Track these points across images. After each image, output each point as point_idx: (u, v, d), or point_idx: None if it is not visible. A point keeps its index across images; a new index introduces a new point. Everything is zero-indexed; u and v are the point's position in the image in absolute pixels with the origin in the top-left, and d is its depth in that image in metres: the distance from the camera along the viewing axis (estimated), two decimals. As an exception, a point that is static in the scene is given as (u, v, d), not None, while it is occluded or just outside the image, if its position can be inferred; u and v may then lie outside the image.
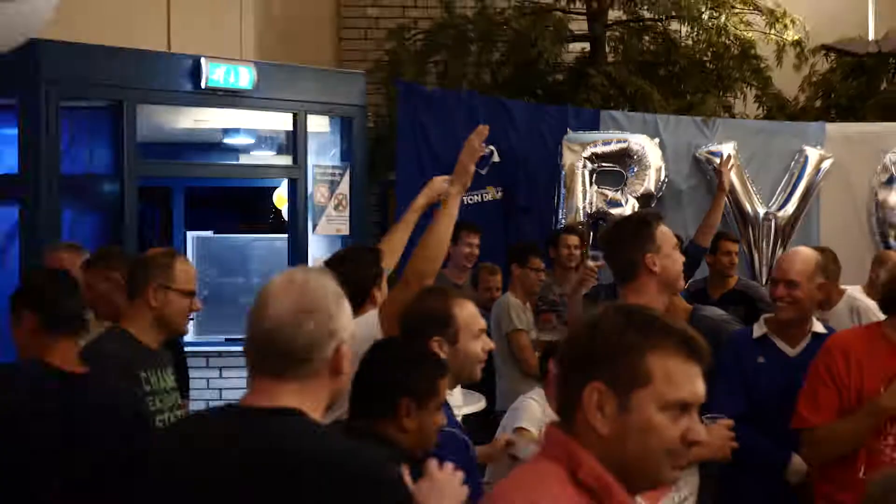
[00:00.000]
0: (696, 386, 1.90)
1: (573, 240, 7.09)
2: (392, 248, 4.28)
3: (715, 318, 4.27)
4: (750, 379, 4.22)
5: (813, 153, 8.11)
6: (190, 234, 9.89)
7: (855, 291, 6.28)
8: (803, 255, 4.29)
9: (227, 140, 9.54)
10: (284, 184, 9.04)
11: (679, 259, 3.58)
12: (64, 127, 7.40)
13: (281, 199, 9.55)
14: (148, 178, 8.42)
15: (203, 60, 7.76)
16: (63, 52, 7.20)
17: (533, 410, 4.51)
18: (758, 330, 4.30)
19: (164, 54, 7.91)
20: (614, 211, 7.78)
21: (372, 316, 3.56)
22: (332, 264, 3.95)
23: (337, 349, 2.16)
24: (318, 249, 8.44)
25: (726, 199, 7.87)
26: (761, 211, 8.01)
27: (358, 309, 3.74)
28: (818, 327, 4.28)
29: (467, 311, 3.28)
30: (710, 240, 6.99)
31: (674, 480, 1.92)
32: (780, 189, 8.14)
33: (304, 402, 2.13)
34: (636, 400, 1.86)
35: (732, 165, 7.63)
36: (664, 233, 3.57)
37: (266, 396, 2.13)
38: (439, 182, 4.09)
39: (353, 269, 3.86)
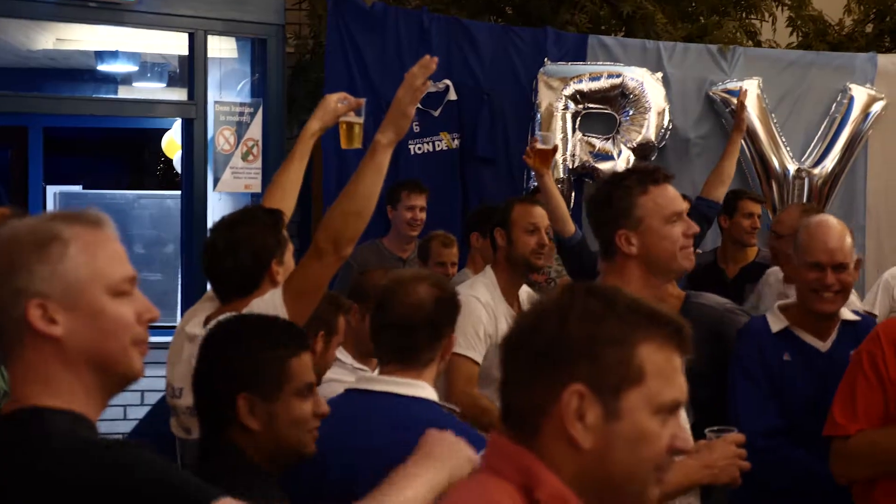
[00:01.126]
0: (683, 382, 1.98)
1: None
2: (284, 189, 4.40)
3: (716, 307, 4.34)
4: (777, 382, 4.30)
5: (860, 92, 8.23)
6: (51, 189, 9.87)
7: None
8: (841, 229, 4.37)
9: (102, 66, 9.50)
10: (177, 126, 9.00)
11: (676, 235, 3.55)
12: None
13: (172, 144, 9.54)
14: (-2, 115, 8.38)
15: (71, -39, 7.70)
16: None
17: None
18: (776, 322, 4.37)
19: (18, -48, 7.83)
20: (603, 166, 7.85)
21: (273, 297, 3.62)
22: (220, 231, 4.07)
23: (26, 309, 2.22)
24: (220, 211, 8.43)
25: (748, 150, 7.99)
26: (791, 167, 8.12)
27: (255, 289, 3.86)
28: (846, 313, 4.38)
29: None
30: (722, 194, 7.08)
31: (654, 500, 1.97)
32: (816, 139, 8.26)
33: (26, 387, 2.24)
34: (626, 403, 1.90)
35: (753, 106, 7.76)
36: (654, 200, 3.55)
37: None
38: (333, 101, 4.35)
39: (247, 237, 3.95)
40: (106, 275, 2.28)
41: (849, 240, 4.31)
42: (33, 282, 2.21)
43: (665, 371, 1.93)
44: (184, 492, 2.12)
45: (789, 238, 5.57)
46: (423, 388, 3.26)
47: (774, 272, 6.39)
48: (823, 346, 4.32)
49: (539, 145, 6.18)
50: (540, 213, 5.55)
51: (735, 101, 7.86)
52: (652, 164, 7.31)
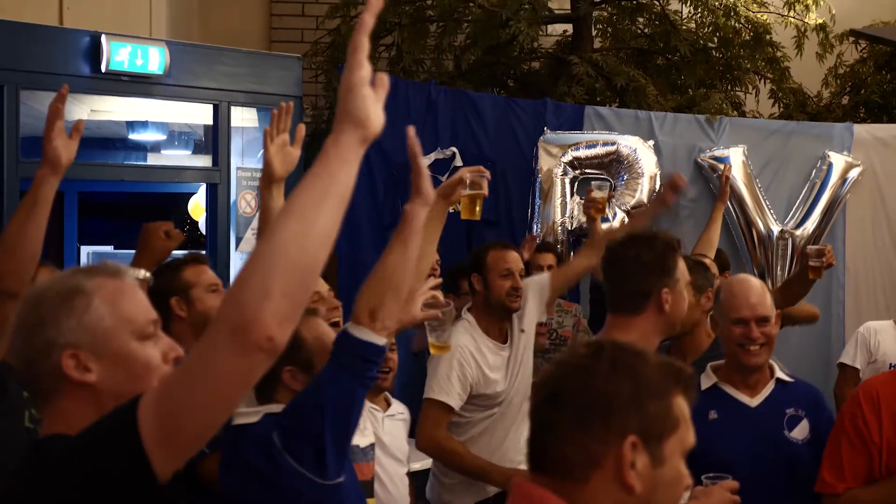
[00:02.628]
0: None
1: (548, 259, 7.11)
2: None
3: None
4: (702, 443, 4.19)
5: (838, 159, 8.21)
6: (84, 249, 9.85)
7: (879, 325, 6.42)
8: (760, 285, 4.31)
9: (133, 135, 9.52)
10: (202, 190, 9.00)
11: (688, 299, 3.67)
12: (-70, 116, 7.34)
13: (198, 208, 9.53)
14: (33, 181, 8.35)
15: (104, 38, 7.71)
16: (-72, 26, 7.15)
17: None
18: (706, 380, 4.26)
19: (55, 29, 7.85)
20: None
21: None
22: None
23: (59, 360, 2.25)
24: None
25: (735, 213, 7.97)
26: (775, 228, 8.09)
27: None
28: (781, 373, 4.26)
29: (317, 332, 3.37)
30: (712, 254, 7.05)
31: None
32: (798, 202, 8.23)
33: (56, 426, 2.25)
34: (668, 449, 1.99)
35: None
36: (682, 265, 3.65)
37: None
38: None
39: None
40: (130, 320, 2.29)
41: (768, 295, 4.25)
42: (62, 334, 2.23)
43: (687, 418, 2.03)
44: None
45: None
46: None
47: None
48: (752, 401, 4.20)
49: (594, 194, 6.16)
50: (513, 258, 5.53)
51: (722, 167, 7.86)
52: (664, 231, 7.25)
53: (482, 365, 5.38)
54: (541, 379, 2.12)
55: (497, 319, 5.53)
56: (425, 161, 3.26)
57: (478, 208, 4.55)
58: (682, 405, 2.02)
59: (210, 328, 1.93)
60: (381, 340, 3.10)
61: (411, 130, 3.34)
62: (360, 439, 4.07)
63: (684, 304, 3.63)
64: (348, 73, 1.99)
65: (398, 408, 4.85)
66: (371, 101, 1.99)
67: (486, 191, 4.38)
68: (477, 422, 5.41)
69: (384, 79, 2.04)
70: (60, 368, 2.22)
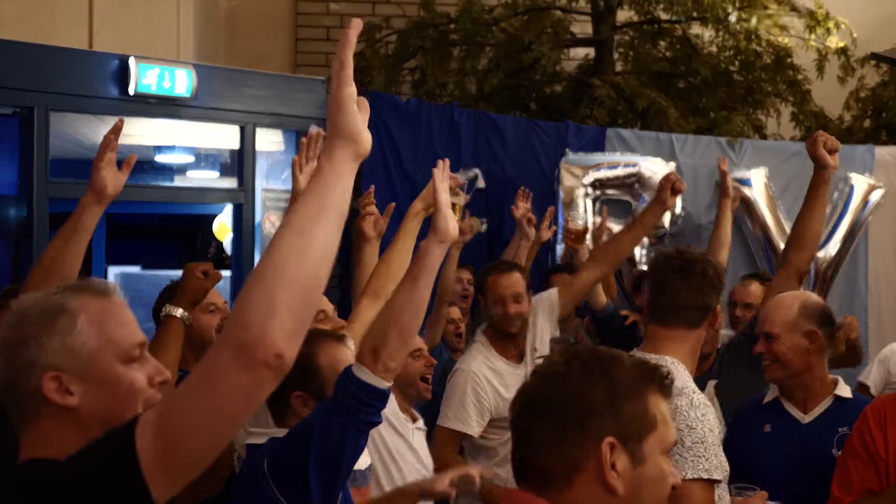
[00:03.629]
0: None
1: (567, 280, 7.10)
2: (389, 265, 4.28)
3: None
4: (753, 452, 4.21)
5: (860, 181, 8.20)
6: (112, 270, 9.90)
7: None
8: (780, 300, 4.31)
9: (160, 158, 9.56)
10: (228, 210, 9.04)
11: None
12: (-39, 137, 7.42)
13: (223, 228, 9.57)
14: (62, 201, 8.41)
15: (132, 61, 7.77)
16: (-39, 48, 7.22)
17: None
18: (770, 394, 4.32)
19: (84, 53, 7.92)
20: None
21: None
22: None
23: (39, 383, 2.16)
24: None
25: (757, 235, 7.97)
26: (797, 251, 8.06)
27: None
28: (844, 391, 4.24)
29: (334, 359, 3.30)
30: (725, 258, 6.98)
31: None
32: (819, 224, 8.21)
33: (36, 450, 2.14)
34: (648, 448, 2.02)
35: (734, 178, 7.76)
36: None
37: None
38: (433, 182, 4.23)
39: None
40: (116, 342, 2.20)
41: (784, 312, 4.21)
42: (45, 354, 2.14)
43: (665, 417, 2.06)
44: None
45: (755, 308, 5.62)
46: None
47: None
48: (805, 418, 4.20)
49: (570, 225, 6.21)
50: (509, 282, 5.50)
51: (744, 190, 7.87)
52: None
53: (498, 387, 5.38)
54: (518, 391, 2.14)
55: (503, 337, 5.54)
56: (446, 198, 3.20)
57: (457, 213, 4.55)
58: (658, 404, 2.04)
59: (215, 347, 1.88)
60: (381, 384, 2.99)
61: (440, 165, 3.33)
62: (359, 461, 4.00)
63: (720, 319, 3.69)
64: (337, 89, 1.99)
65: (420, 420, 4.88)
66: (361, 118, 2.00)
67: (463, 199, 4.37)
68: (505, 443, 5.35)
69: (365, 102, 2.04)
70: (41, 391, 2.13)
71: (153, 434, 1.88)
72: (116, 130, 3.69)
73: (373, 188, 4.88)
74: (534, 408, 2.05)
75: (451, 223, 3.15)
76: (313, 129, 4.21)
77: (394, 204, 5.17)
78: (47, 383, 2.14)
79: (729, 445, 4.00)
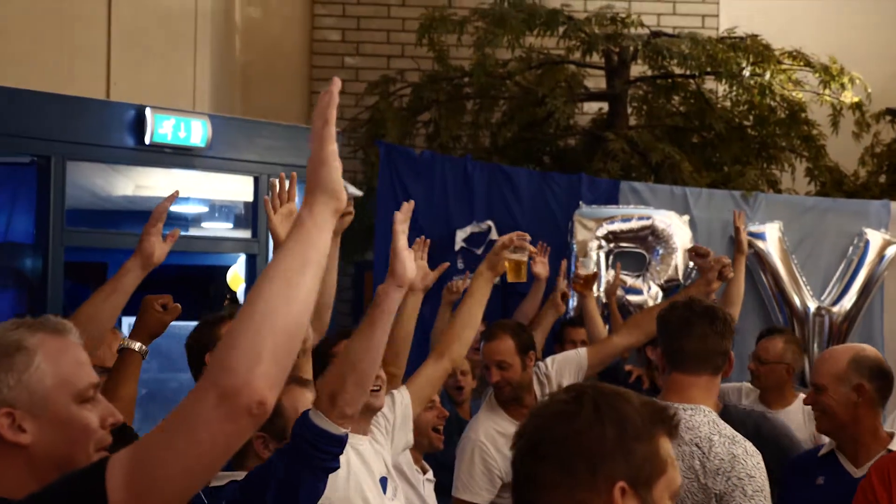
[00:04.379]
0: None
1: (582, 334, 7.06)
2: (463, 323, 4.47)
3: (752, 412, 4.38)
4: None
5: (875, 236, 8.15)
6: (126, 320, 9.85)
7: None
8: (833, 351, 4.31)
9: (175, 208, 9.56)
10: (241, 261, 9.04)
11: None
12: (-23, 185, 7.45)
13: (236, 278, 9.56)
14: (77, 250, 8.43)
15: (148, 111, 7.83)
16: (-22, 97, 7.26)
17: None
18: (827, 446, 4.30)
19: (101, 102, 7.98)
20: (634, 299, 7.80)
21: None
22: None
23: None
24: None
25: (771, 289, 7.92)
26: (812, 305, 8.02)
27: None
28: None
29: (297, 403, 3.28)
30: (736, 314, 6.94)
31: None
32: (835, 279, 8.17)
33: None
34: (657, 493, 1.96)
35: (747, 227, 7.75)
36: None
37: None
38: (498, 245, 4.64)
39: None
40: (71, 382, 2.18)
41: (831, 364, 4.20)
42: (0, 391, 2.12)
43: (673, 459, 2.00)
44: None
45: (773, 365, 5.60)
46: None
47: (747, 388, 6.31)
48: (857, 471, 4.16)
49: (581, 270, 6.20)
50: (489, 350, 5.46)
51: (759, 244, 7.84)
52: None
53: (508, 452, 5.31)
54: (519, 429, 2.07)
55: (515, 403, 5.46)
56: (404, 242, 3.26)
57: (523, 270, 4.61)
58: (666, 446, 1.99)
59: (196, 391, 1.84)
60: (337, 430, 2.95)
61: (404, 208, 3.35)
62: None
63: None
64: (320, 146, 2.04)
65: (430, 472, 4.84)
66: (340, 175, 2.06)
67: (527, 254, 4.44)
68: None
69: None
70: None
71: (125, 476, 1.82)
72: (171, 199, 3.71)
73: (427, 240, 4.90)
74: (539, 448, 1.99)
75: (408, 267, 3.18)
76: (282, 175, 4.26)
77: (447, 264, 5.27)
78: (0, 419, 2.11)
79: (782, 497, 3.97)
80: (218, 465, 1.89)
